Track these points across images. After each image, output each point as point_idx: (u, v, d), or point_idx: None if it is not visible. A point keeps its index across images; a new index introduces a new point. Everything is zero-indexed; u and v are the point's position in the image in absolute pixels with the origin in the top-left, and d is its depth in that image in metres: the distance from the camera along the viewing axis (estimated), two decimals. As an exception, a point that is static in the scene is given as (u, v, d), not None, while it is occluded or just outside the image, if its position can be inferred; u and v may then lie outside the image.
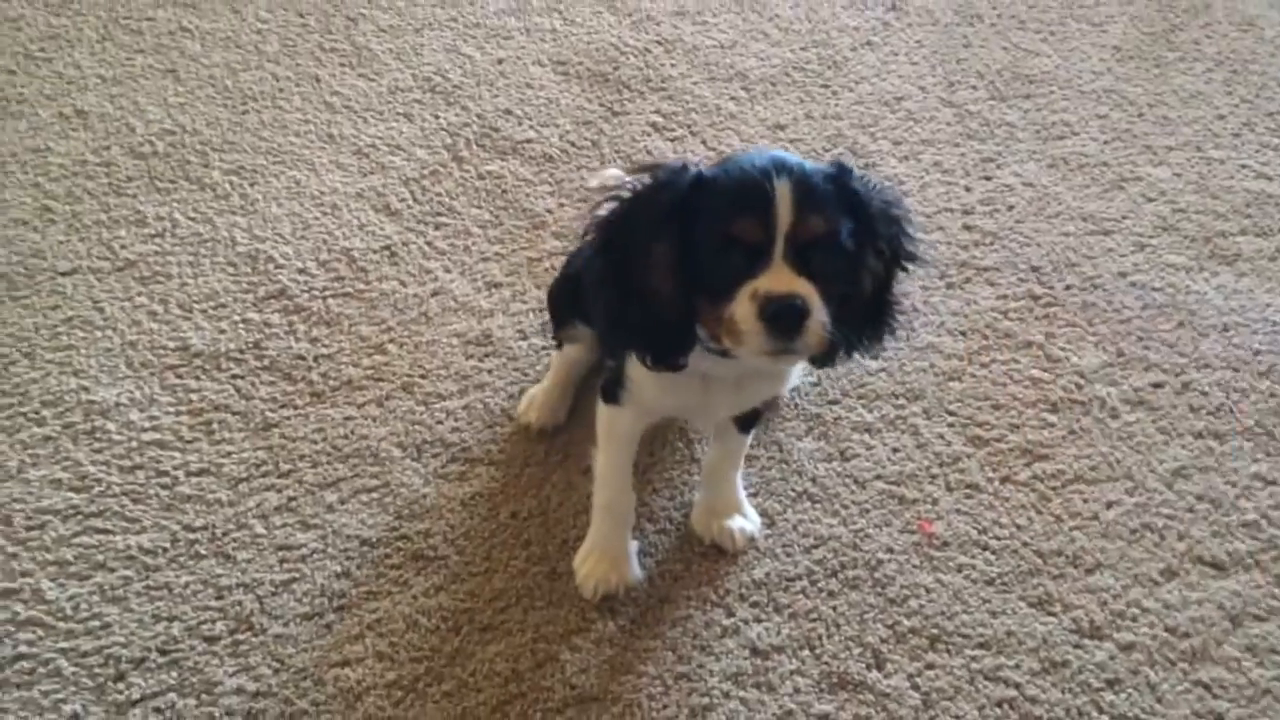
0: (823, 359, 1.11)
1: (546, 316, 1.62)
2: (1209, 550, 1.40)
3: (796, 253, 1.00)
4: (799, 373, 1.27)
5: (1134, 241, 1.83)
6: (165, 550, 1.34)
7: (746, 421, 1.33)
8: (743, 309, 1.00)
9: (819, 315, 1.00)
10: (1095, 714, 1.25)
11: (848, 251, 1.04)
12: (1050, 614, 1.34)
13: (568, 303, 1.43)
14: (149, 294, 1.65)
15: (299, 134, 1.94)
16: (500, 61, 2.12)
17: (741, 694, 1.25)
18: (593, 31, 2.21)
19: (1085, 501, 1.46)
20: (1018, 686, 1.27)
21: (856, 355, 1.14)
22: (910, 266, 1.12)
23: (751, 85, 2.10)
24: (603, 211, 1.09)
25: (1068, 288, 1.75)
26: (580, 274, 1.35)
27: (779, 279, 0.99)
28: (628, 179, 1.11)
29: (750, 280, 1.00)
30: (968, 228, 1.83)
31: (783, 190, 0.99)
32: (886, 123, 2.03)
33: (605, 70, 2.11)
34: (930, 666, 1.28)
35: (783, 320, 0.99)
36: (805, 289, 1.00)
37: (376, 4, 2.25)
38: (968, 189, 1.91)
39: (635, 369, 1.18)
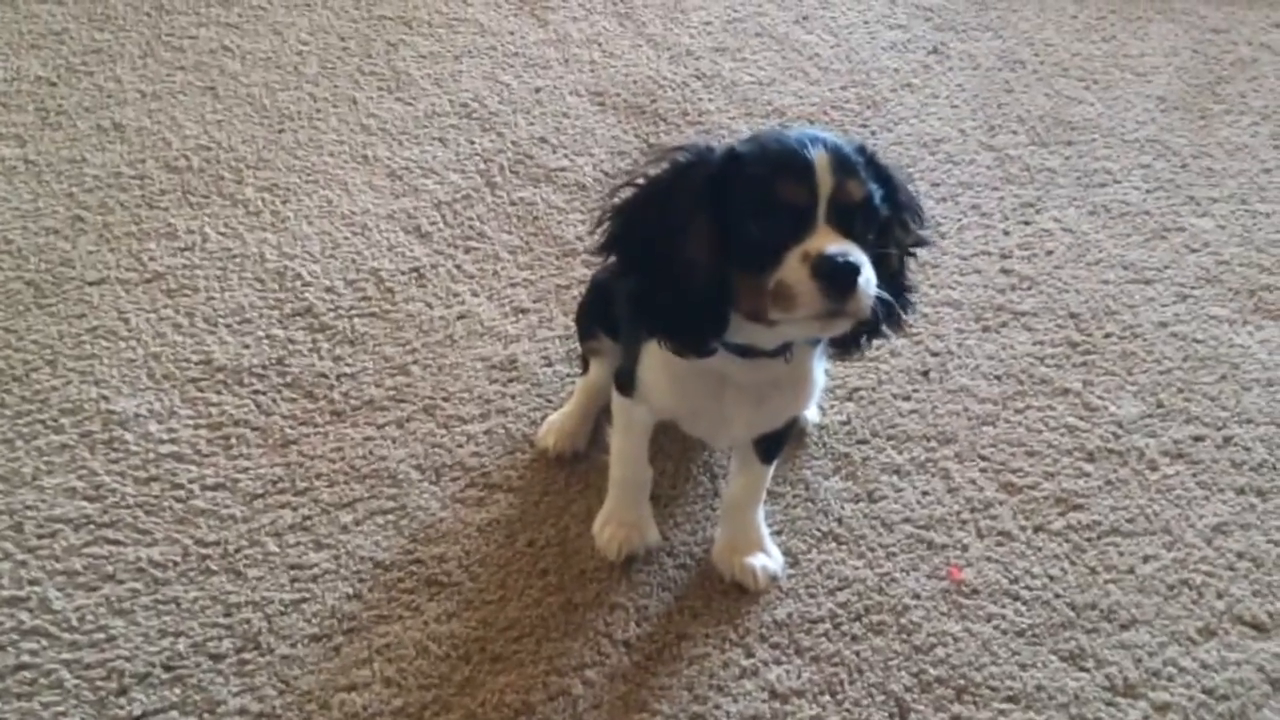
0: (847, 344, 1.13)
1: (573, 344, 1.60)
2: (1249, 610, 1.35)
3: (838, 217, 1.00)
4: (819, 391, 1.24)
5: (1176, 292, 1.79)
6: (176, 564, 1.31)
7: (768, 450, 1.30)
8: (794, 271, 0.99)
9: (868, 273, 0.99)
10: (1128, 776, 1.20)
11: (882, 217, 1.05)
12: (1083, 669, 1.29)
13: (591, 314, 1.42)
14: (175, 306, 1.64)
15: (333, 154, 1.94)
16: (537, 90, 2.12)
17: (759, 738, 1.21)
18: (631, 64, 2.21)
19: (1121, 554, 1.41)
20: (1047, 744, 1.22)
21: (879, 337, 1.14)
22: (922, 246, 1.14)
23: (789, 123, 2.08)
24: (620, 199, 1.08)
25: (1107, 336, 1.71)
26: (603, 284, 1.34)
27: (828, 239, 0.99)
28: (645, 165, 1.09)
29: (796, 244, 0.99)
30: (1005, 271, 1.80)
31: (820, 157, 1.00)
32: (925, 164, 2.01)
33: (642, 102, 2.10)
34: (956, 718, 1.23)
35: (837, 278, 0.98)
36: (854, 248, 0.99)
37: (417, 30, 2.26)
38: (1006, 233, 1.87)
39: (646, 370, 1.18)
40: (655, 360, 1.17)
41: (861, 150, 1.06)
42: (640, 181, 1.08)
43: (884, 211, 1.05)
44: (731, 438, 1.30)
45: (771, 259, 1.00)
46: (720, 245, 1.03)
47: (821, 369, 1.21)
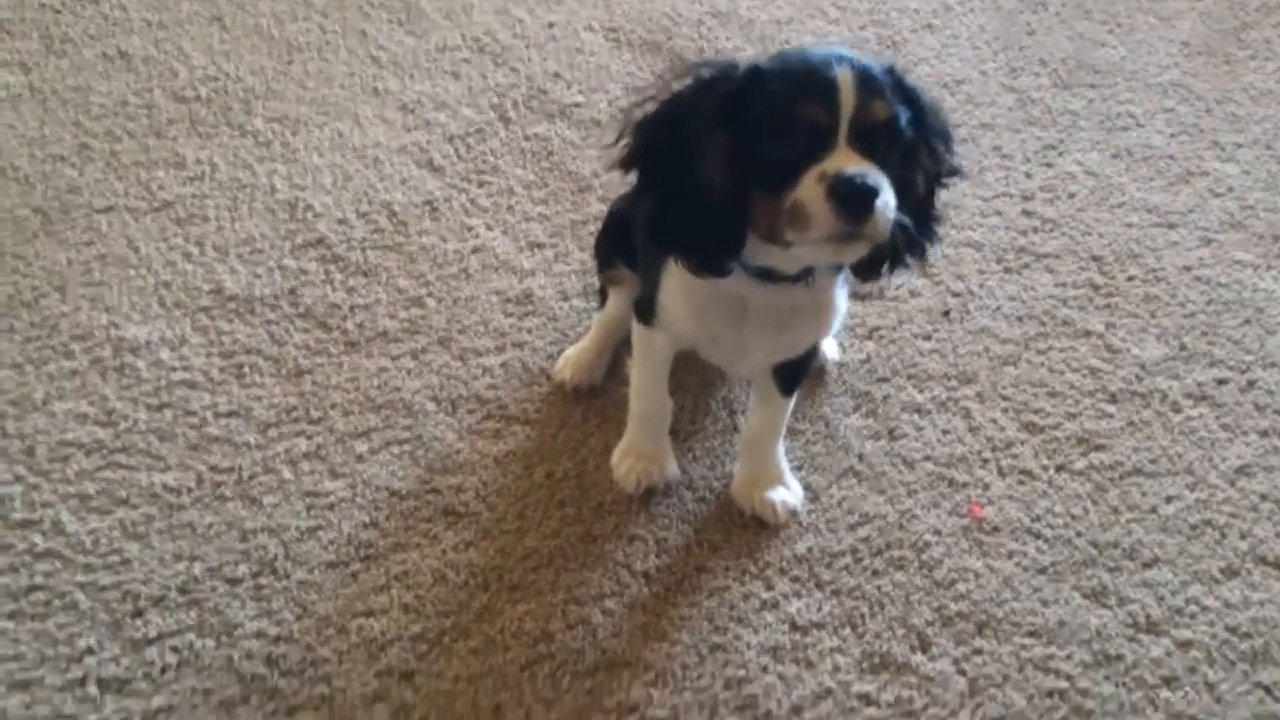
0: (867, 270, 1.10)
1: (589, 279, 1.58)
2: (1273, 550, 1.34)
3: (860, 138, 0.97)
4: (840, 318, 1.21)
5: (1200, 236, 1.76)
6: (190, 490, 1.30)
7: (788, 382, 1.28)
8: (810, 191, 0.96)
9: (887, 196, 0.97)
10: (1150, 711, 1.19)
11: (907, 140, 1.02)
12: (1105, 606, 1.28)
13: (610, 243, 1.40)
14: (185, 235, 1.61)
15: (344, 87, 1.90)
16: (551, 25, 2.08)
17: (779, 669, 1.20)
18: (646, 0, 2.16)
19: (1144, 495, 1.40)
20: (1069, 678, 1.21)
21: (900, 266, 1.10)
22: (953, 176, 1.10)
23: (807, 61, 2.04)
24: (639, 114, 1.05)
25: (1130, 279, 1.68)
26: (621, 214, 1.32)
27: (847, 160, 0.96)
28: (667, 81, 1.07)
29: (815, 164, 0.96)
30: (1027, 213, 1.77)
31: (845, 76, 0.96)
32: (945, 105, 1.97)
33: (658, 39, 2.06)
34: (977, 652, 1.23)
35: (853, 199, 0.95)
36: (873, 169, 0.97)
37: (428, -36, 2.21)
38: (1028, 175, 1.84)
39: (667, 297, 1.16)
40: (676, 285, 1.15)
41: (890, 71, 1.03)
42: (663, 97, 1.06)
43: (910, 134, 1.02)
44: (752, 365, 1.28)
45: (789, 178, 0.97)
46: (738, 163, 1.00)
47: (844, 296, 1.19)
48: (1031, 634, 1.25)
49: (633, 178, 1.08)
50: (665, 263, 1.13)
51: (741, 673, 1.19)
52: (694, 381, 1.46)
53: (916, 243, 1.07)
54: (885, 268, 1.10)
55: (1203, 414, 1.50)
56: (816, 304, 1.15)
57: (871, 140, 0.98)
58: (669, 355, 1.29)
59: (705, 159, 1.00)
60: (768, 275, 1.09)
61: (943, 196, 1.11)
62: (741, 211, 1.02)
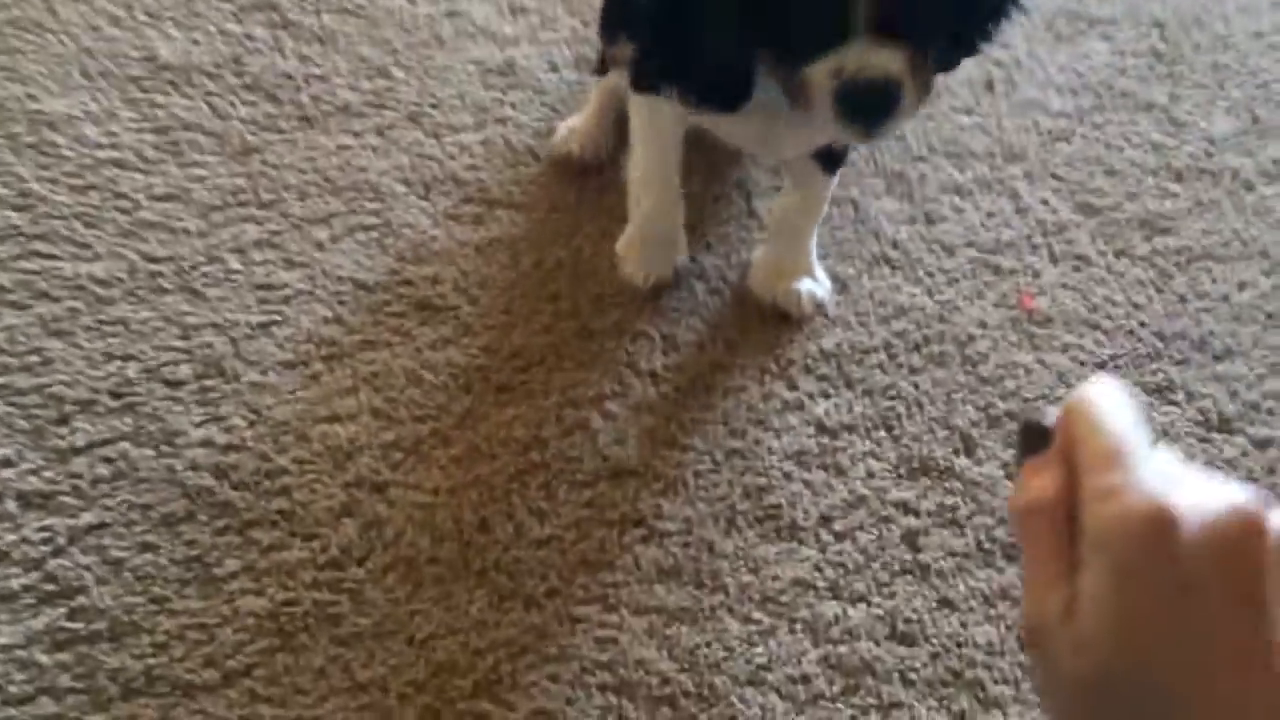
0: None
1: (581, 48, 1.37)
2: (1360, 341, 1.19)
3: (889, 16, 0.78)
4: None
5: (1272, 0, 1.55)
6: (121, 281, 1.12)
7: (832, 159, 1.09)
8: (820, 85, 0.80)
9: (910, 98, 0.80)
10: (1225, 517, 1.05)
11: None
12: (1172, 403, 1.13)
13: (614, 17, 1.18)
14: (110, -2, 1.38)
15: None
16: None
17: (805, 476, 1.05)
18: None
19: (1214, 281, 1.23)
20: (1133, 483, 1.07)
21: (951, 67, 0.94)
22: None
23: None
24: None
25: (1195, 47, 1.48)
26: None
27: (866, 52, 0.78)
28: None
29: (832, 48, 0.78)
30: (1079, -27, 1.55)
31: None
32: None
33: None
34: (1030, 455, 1.08)
35: (863, 111, 0.80)
36: (898, 66, 0.78)
37: None
38: (1080, -70, 1.61)
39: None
40: None
41: None
42: None
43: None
44: (779, 155, 1.09)
45: (800, 58, 0.81)
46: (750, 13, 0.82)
47: None
48: (1090, 435, 1.10)
49: None
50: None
51: (762, 481, 1.04)
52: (703, 161, 1.27)
53: (969, 45, 0.91)
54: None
55: (1278, 193, 1.32)
56: None
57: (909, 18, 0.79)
58: (678, 133, 1.09)
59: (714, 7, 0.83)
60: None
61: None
62: (750, 58, 0.86)
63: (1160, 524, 0.37)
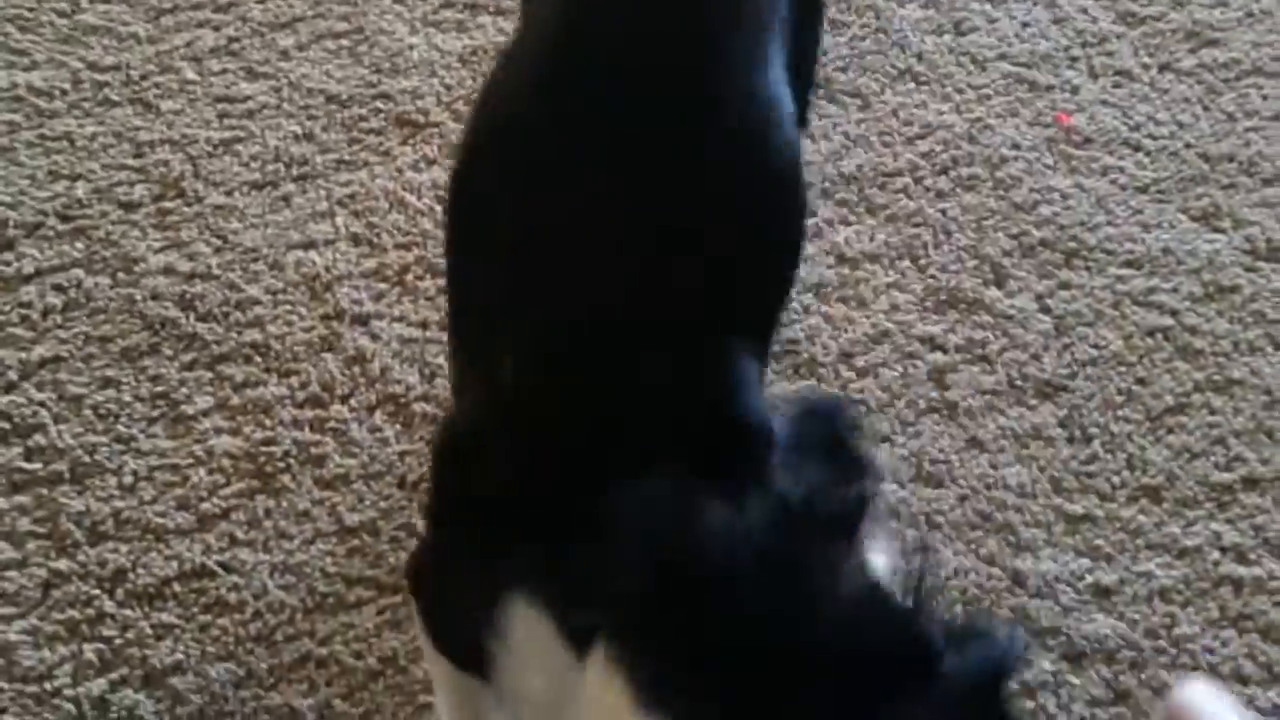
0: None
1: None
2: None
3: None
4: None
5: None
6: (64, 93, 1.01)
7: None
8: None
9: None
10: (1271, 350, 0.99)
11: None
12: (1217, 230, 1.06)
13: None
14: None
15: None
16: None
17: (825, 309, 0.98)
18: None
19: (1265, 98, 1.14)
20: (1174, 313, 1.00)
21: None
22: None
23: None
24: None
25: None
26: None
27: None
28: None
29: None
30: None
31: None
32: None
33: None
34: (1065, 286, 1.00)
35: None
36: None
37: None
38: None
39: None
40: None
41: None
42: None
43: None
44: None
45: None
46: None
47: None
48: (1130, 263, 1.02)
49: None
50: None
51: (779, 312, 0.97)
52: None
53: None
54: None
55: (1337, 4, 1.22)
56: None
57: None
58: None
59: None
60: None
61: None
62: None
63: None
